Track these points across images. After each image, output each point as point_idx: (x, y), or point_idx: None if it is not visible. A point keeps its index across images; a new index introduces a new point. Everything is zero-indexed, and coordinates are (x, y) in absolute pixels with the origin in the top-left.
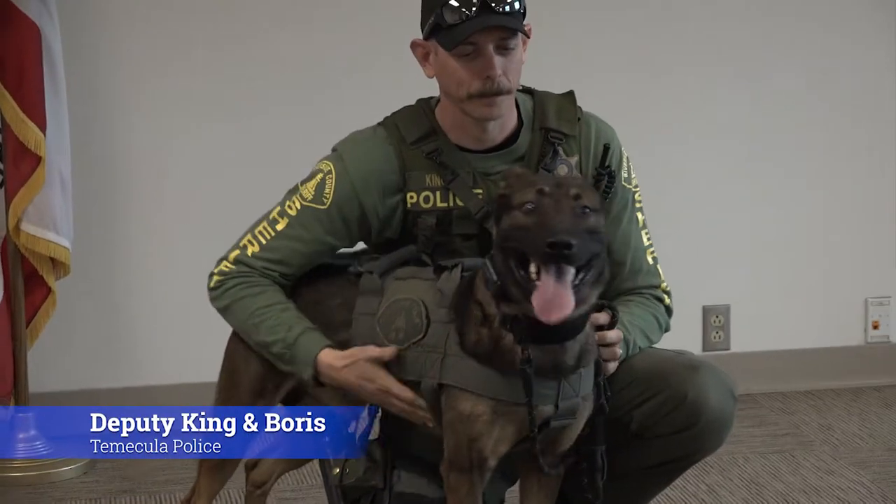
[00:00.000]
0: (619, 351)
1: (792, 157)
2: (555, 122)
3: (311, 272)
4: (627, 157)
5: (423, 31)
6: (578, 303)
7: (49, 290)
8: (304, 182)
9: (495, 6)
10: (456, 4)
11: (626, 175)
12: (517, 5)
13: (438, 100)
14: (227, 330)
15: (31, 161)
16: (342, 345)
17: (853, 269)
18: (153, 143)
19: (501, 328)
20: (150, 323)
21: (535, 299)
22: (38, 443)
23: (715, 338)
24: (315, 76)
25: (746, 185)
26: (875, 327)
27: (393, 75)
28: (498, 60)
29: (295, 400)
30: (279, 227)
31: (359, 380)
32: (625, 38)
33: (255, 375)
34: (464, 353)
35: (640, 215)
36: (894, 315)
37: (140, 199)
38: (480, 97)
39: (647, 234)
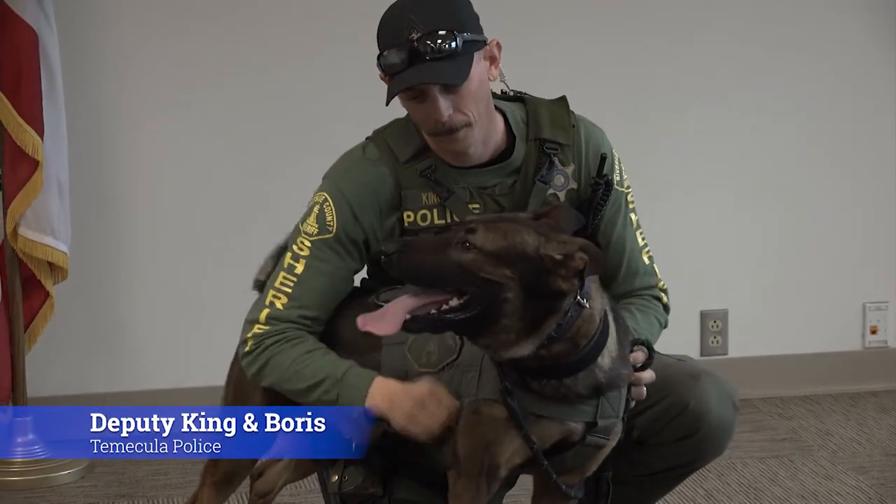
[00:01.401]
0: (645, 391)
1: (790, 162)
2: (549, 131)
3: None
4: (619, 159)
5: None
6: (442, 328)
7: (47, 294)
8: (303, 221)
9: (427, 52)
10: (389, 57)
11: (618, 178)
12: (453, 45)
13: None
14: (225, 335)
15: (28, 166)
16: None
17: (851, 274)
18: (151, 148)
19: None
20: (147, 327)
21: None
22: (36, 446)
23: (713, 343)
24: (317, 86)
25: (744, 190)
26: (873, 332)
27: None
28: (444, 102)
29: None
30: (297, 271)
31: (423, 397)
32: (622, 43)
33: (264, 396)
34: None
35: (633, 216)
36: (892, 320)
37: (138, 204)
38: (438, 136)
39: (641, 234)
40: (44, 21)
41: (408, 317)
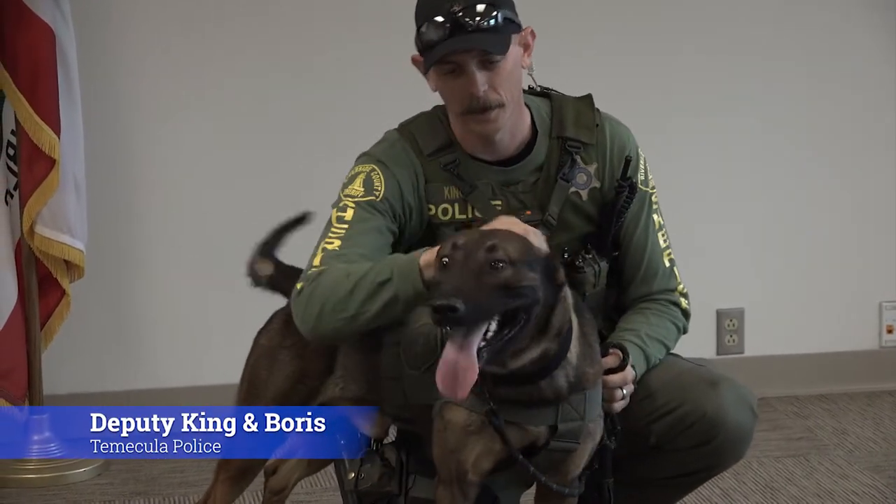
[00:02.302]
0: (622, 392)
1: (805, 162)
2: (573, 130)
3: None
4: (644, 159)
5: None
6: (506, 357)
7: (63, 292)
8: (346, 186)
9: (469, 24)
10: (432, 25)
11: (642, 178)
12: (493, 21)
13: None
14: (240, 334)
15: (45, 164)
16: (375, 365)
17: (867, 273)
18: (168, 146)
19: None
20: (164, 326)
21: (438, 373)
22: (52, 444)
23: (729, 341)
24: (334, 83)
25: (760, 189)
26: (889, 331)
27: (402, 86)
28: (482, 76)
29: None
30: (347, 218)
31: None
32: (643, 46)
33: (277, 392)
34: None
35: (657, 217)
36: None
37: (154, 203)
38: (471, 113)
39: (664, 236)
40: (60, 18)
41: (481, 361)
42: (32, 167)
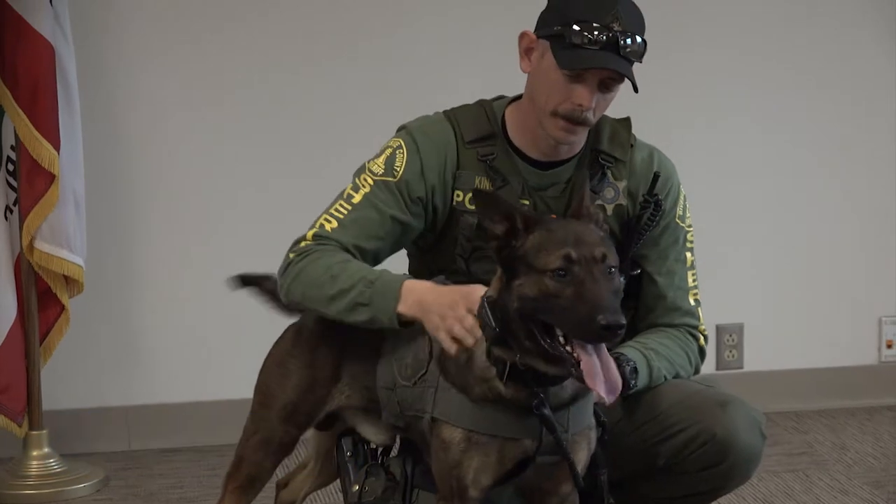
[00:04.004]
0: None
1: (806, 179)
2: (607, 145)
3: None
4: (685, 196)
5: (539, 26)
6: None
7: (63, 307)
8: (373, 159)
9: (622, 48)
10: (587, 28)
11: (680, 212)
12: (638, 55)
13: (505, 101)
14: (239, 350)
15: (45, 179)
16: (370, 382)
17: (867, 289)
18: (167, 161)
19: (487, 363)
20: (163, 341)
21: (592, 379)
22: (51, 460)
23: (728, 356)
24: (334, 99)
25: (759, 206)
26: (889, 346)
27: (407, 87)
28: (596, 95)
29: (328, 426)
30: (354, 201)
31: (450, 292)
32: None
33: (287, 401)
34: (447, 382)
35: (689, 255)
36: None
37: (153, 218)
38: (563, 119)
39: (693, 275)
40: (60, 34)
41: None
42: (32, 182)
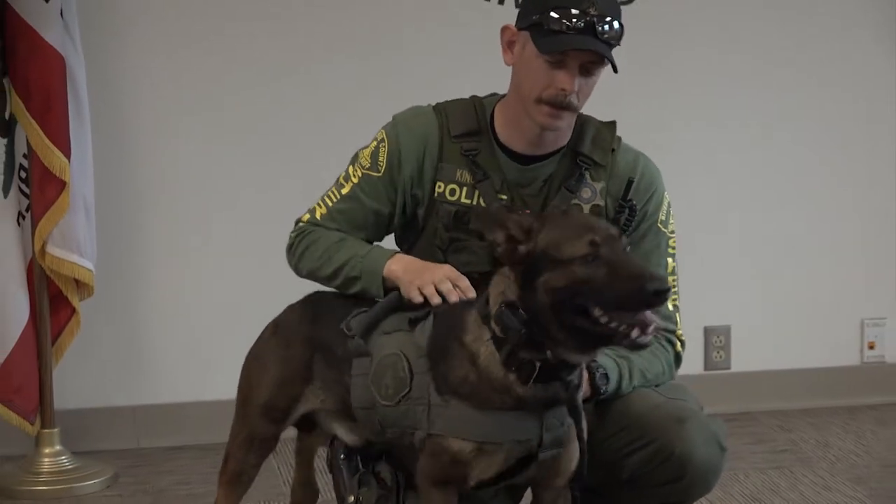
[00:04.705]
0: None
1: (790, 183)
2: (588, 148)
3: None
4: (669, 203)
5: (519, 19)
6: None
7: (73, 310)
8: (363, 149)
9: (600, 30)
10: (564, 14)
11: (663, 218)
12: (617, 38)
13: (496, 98)
14: (245, 350)
15: (56, 186)
16: (346, 394)
17: (850, 292)
18: (173, 168)
19: (503, 370)
20: (170, 342)
21: (645, 321)
22: (63, 457)
23: (716, 357)
24: (342, 106)
25: (746, 211)
26: (871, 347)
27: (413, 89)
28: (578, 79)
29: (310, 428)
30: (344, 191)
31: (428, 264)
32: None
33: (264, 398)
34: (442, 397)
35: (670, 261)
36: (889, 336)
37: (160, 223)
38: (548, 104)
39: (674, 280)
40: (70, 46)
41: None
42: (44, 189)
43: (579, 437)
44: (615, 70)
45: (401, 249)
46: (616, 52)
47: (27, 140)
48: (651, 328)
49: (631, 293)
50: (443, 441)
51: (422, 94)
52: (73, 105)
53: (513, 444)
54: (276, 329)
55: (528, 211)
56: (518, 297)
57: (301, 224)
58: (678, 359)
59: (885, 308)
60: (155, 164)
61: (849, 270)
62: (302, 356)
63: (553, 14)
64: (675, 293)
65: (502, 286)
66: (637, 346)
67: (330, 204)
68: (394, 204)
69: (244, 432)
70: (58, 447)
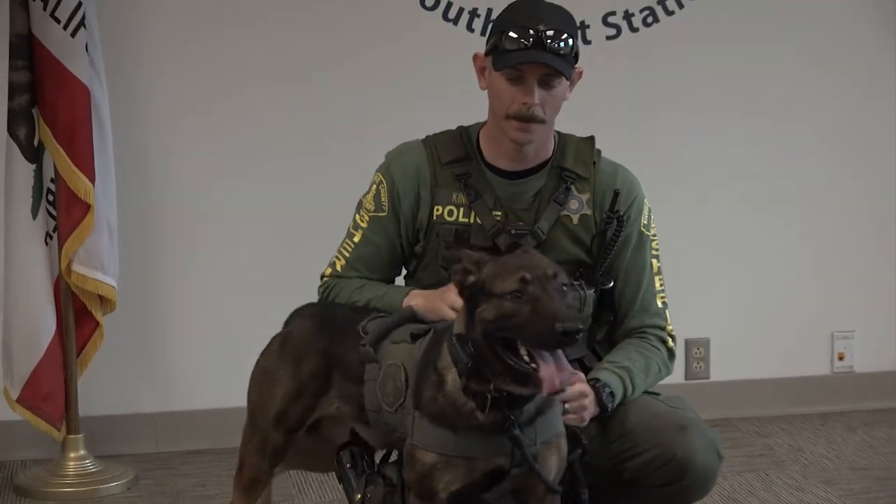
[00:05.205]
0: (568, 407)
1: (766, 209)
2: (571, 162)
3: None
4: (649, 208)
5: (485, 46)
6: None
7: (97, 324)
8: (365, 195)
9: (548, 45)
10: (515, 35)
11: (645, 222)
12: (568, 49)
13: (481, 125)
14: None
15: (81, 209)
16: (360, 402)
17: (821, 307)
18: (191, 192)
19: (464, 397)
20: (187, 353)
21: (551, 384)
22: (87, 461)
23: (696, 368)
24: (359, 125)
25: (726, 233)
26: (840, 359)
27: (425, 92)
28: (538, 92)
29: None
30: (355, 240)
31: (439, 291)
32: (613, 75)
33: (277, 410)
34: (419, 413)
35: (655, 262)
36: (858, 348)
37: (178, 244)
38: (515, 119)
39: (660, 280)
40: (95, 79)
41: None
42: (70, 212)
43: (528, 462)
44: (567, 78)
45: (408, 271)
46: (609, 64)
47: (54, 165)
48: (546, 389)
49: (542, 330)
50: (415, 451)
51: (436, 99)
52: (97, 133)
53: (476, 461)
54: (285, 342)
55: (521, 223)
56: (465, 328)
57: (325, 279)
58: (671, 354)
59: (854, 322)
60: (173, 188)
61: (820, 287)
62: (317, 370)
63: (508, 34)
64: (662, 291)
65: (459, 319)
66: (540, 388)
67: (347, 254)
68: (401, 237)
69: (256, 440)
70: (82, 451)
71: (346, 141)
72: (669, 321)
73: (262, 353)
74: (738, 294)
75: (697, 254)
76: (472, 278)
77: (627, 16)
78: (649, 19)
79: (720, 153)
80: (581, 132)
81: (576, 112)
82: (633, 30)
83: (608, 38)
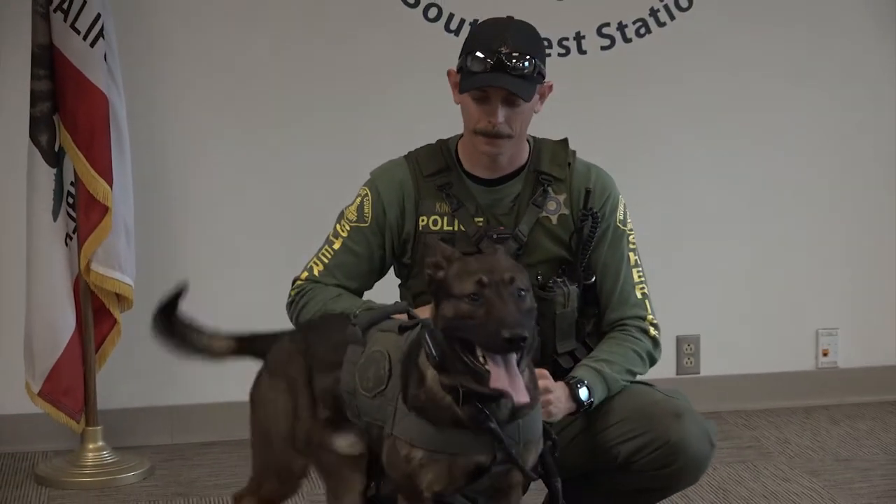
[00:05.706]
0: (552, 399)
1: (755, 210)
2: (547, 166)
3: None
4: (625, 204)
5: (457, 64)
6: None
7: (115, 321)
8: (348, 206)
9: (509, 68)
10: (479, 57)
11: (620, 217)
12: (529, 70)
13: (458, 137)
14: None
15: (99, 211)
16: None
17: (806, 304)
18: (205, 193)
19: (442, 391)
20: None
21: (497, 385)
22: (105, 452)
23: (687, 363)
24: (367, 126)
25: (714, 234)
26: (825, 354)
27: (439, 102)
28: (502, 110)
29: None
30: (335, 247)
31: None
32: (607, 84)
33: (282, 435)
34: (405, 407)
35: (632, 255)
36: (841, 344)
37: (192, 243)
38: (482, 135)
39: (639, 272)
40: (113, 88)
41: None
42: (89, 214)
43: (510, 457)
44: (526, 100)
45: (401, 281)
46: (604, 73)
47: (74, 170)
48: (492, 384)
49: (490, 334)
50: (398, 444)
51: (443, 104)
52: (115, 139)
53: (458, 458)
54: (270, 370)
55: (503, 227)
56: (434, 323)
57: (299, 283)
58: (656, 343)
59: (837, 319)
60: (188, 190)
61: (806, 285)
62: (304, 382)
63: (474, 55)
64: (642, 283)
65: (431, 313)
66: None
67: (326, 261)
68: (383, 248)
69: (273, 468)
70: (100, 443)
71: (375, 149)
72: (650, 311)
73: (253, 388)
74: (727, 293)
75: (688, 254)
76: (440, 274)
77: (621, 27)
78: (642, 30)
79: (711, 157)
80: (576, 139)
81: (571, 119)
82: (627, 40)
83: (602, 48)
